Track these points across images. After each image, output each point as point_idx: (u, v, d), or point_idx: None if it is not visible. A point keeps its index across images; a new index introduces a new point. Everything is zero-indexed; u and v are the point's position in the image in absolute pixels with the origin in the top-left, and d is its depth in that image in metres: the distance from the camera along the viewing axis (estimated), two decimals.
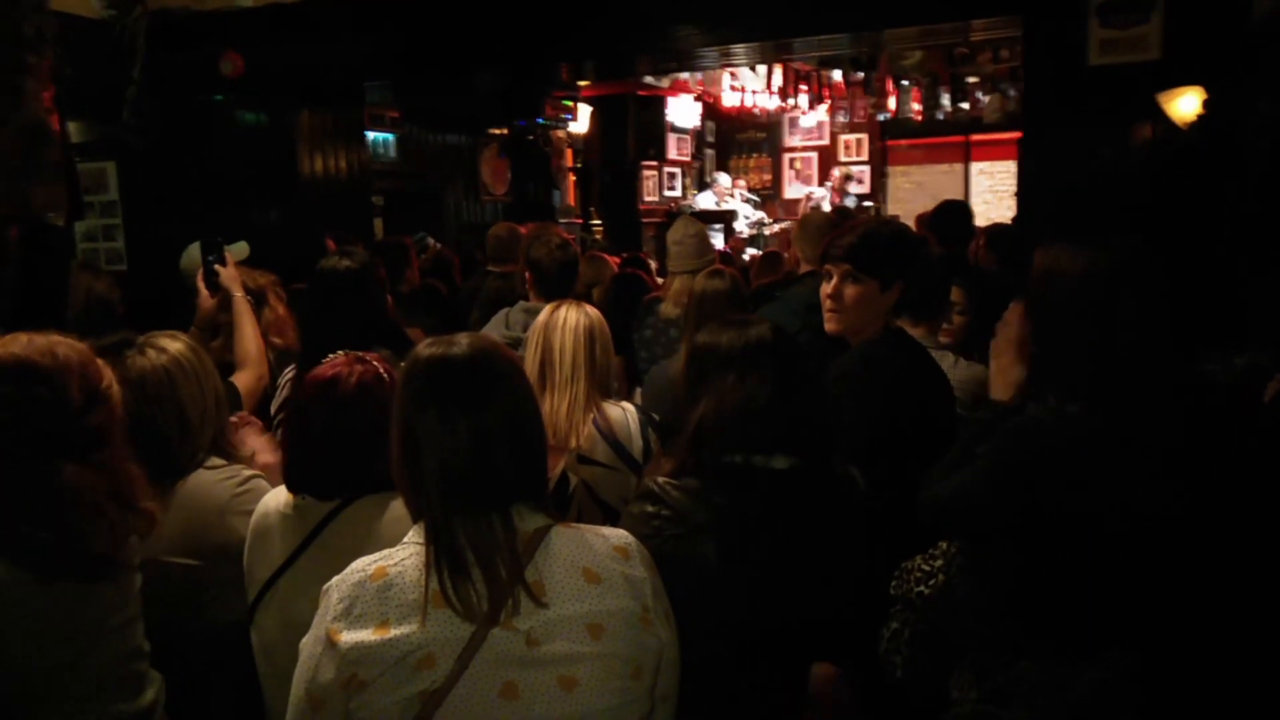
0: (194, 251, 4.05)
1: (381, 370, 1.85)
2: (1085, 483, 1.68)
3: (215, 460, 2.10)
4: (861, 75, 10.62)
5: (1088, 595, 1.72)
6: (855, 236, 2.32)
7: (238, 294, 2.82)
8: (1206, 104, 3.88)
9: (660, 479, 1.71)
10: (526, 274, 3.40)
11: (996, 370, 1.90)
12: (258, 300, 3.11)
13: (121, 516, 1.65)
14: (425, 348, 1.42)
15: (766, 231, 10.83)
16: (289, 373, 2.68)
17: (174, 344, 2.11)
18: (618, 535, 1.44)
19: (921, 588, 1.89)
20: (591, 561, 1.36)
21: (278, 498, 1.85)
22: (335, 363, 1.85)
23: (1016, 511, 1.71)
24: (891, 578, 1.98)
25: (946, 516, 1.81)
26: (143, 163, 5.70)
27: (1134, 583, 1.73)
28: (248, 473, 2.11)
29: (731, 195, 10.95)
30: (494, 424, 1.35)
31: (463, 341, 1.42)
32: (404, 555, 1.34)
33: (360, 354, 1.89)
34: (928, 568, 1.90)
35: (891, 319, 2.38)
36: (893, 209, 11.17)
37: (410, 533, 1.38)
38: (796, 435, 1.70)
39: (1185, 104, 3.94)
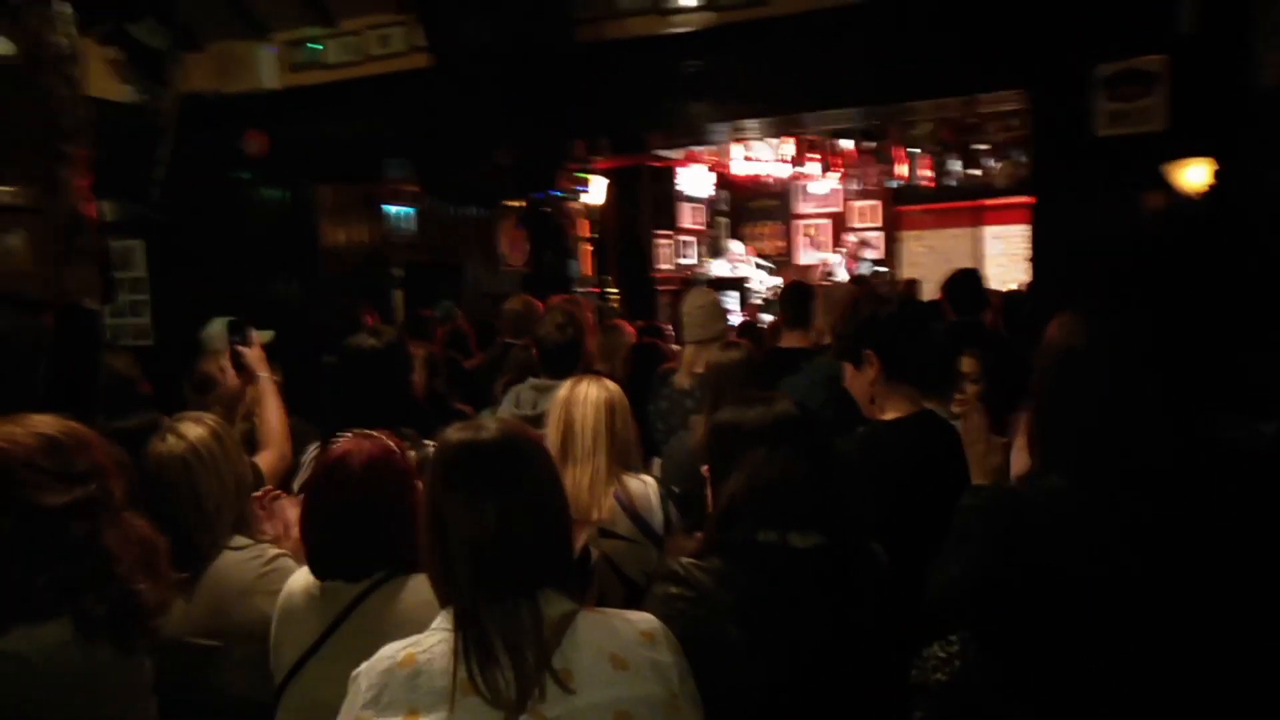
0: (217, 325, 4.14)
1: (391, 447, 1.85)
2: (1070, 556, 1.66)
3: (240, 540, 2.11)
4: (871, 144, 10.78)
5: (1088, 668, 1.70)
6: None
7: (263, 374, 2.86)
8: (1215, 174, 3.93)
9: (684, 559, 1.70)
10: (534, 350, 3.44)
11: (973, 458, 1.91)
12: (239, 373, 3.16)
13: (154, 586, 1.65)
14: (454, 432, 1.44)
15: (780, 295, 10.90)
16: (313, 450, 2.70)
17: (195, 429, 2.11)
18: (644, 620, 1.44)
19: (939, 674, 1.87)
20: (618, 647, 1.36)
21: (304, 579, 1.85)
22: (343, 442, 1.86)
23: (1011, 589, 1.70)
24: (914, 654, 1.96)
25: (951, 605, 1.79)
26: (169, 240, 5.85)
27: (1131, 653, 1.71)
28: (273, 552, 2.11)
29: (745, 262, 11.05)
30: (521, 508, 1.36)
31: (490, 426, 1.44)
32: (433, 642, 1.34)
33: (368, 431, 1.89)
34: (944, 654, 1.88)
35: (904, 393, 2.38)
36: (907, 273, 11.21)
37: (438, 618, 1.38)
38: (827, 512, 1.70)
39: (1193, 174, 3.99)
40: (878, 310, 2.42)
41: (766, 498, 1.68)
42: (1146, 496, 1.68)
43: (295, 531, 2.22)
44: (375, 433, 1.89)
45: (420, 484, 1.55)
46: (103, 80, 5.52)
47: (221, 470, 2.10)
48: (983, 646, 1.84)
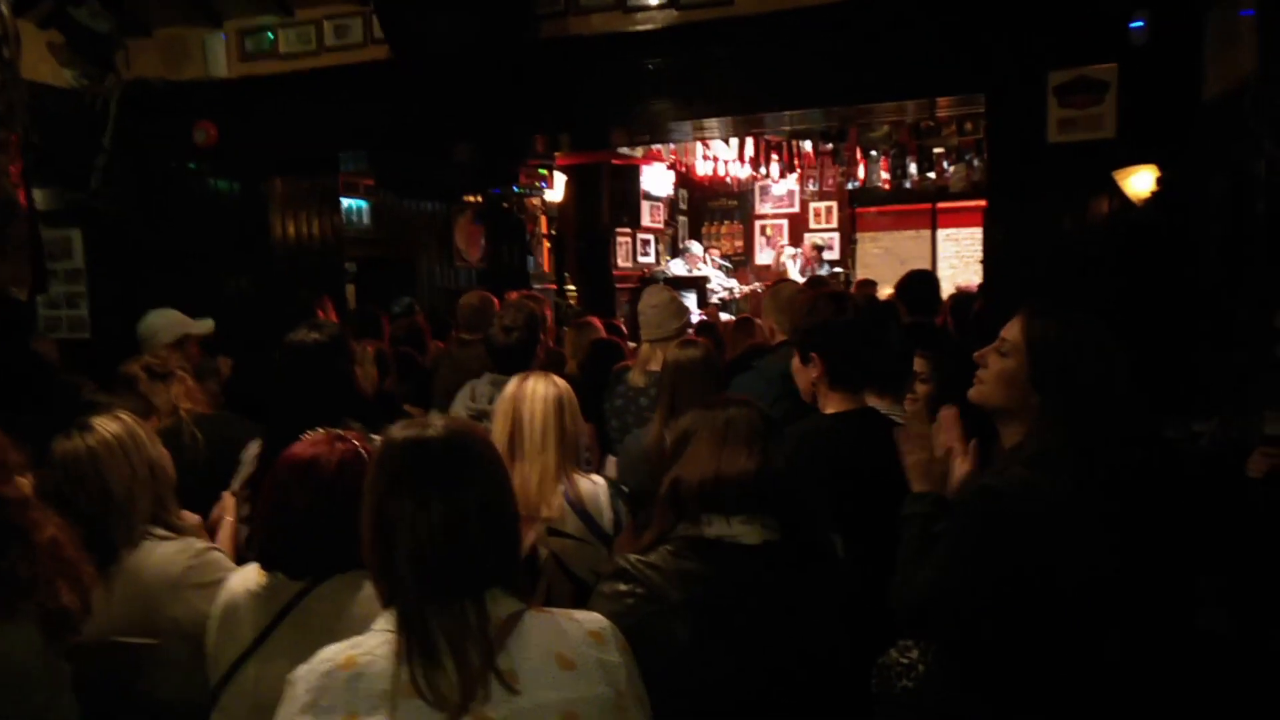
0: (156, 319, 4.04)
1: (361, 449, 1.82)
2: (1047, 542, 1.69)
3: (162, 532, 2.08)
4: (831, 146, 10.87)
5: (1063, 664, 1.71)
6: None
7: (229, 519, 2.65)
8: (1160, 181, 4.01)
9: (632, 556, 1.69)
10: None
11: (911, 465, 1.93)
12: (164, 378, 3.12)
13: (72, 584, 1.63)
14: (400, 430, 1.40)
15: (738, 294, 10.94)
16: (254, 448, 2.63)
17: (104, 423, 2.11)
18: (592, 619, 1.42)
19: (905, 681, 1.87)
20: (565, 647, 1.34)
21: (245, 578, 1.81)
22: (315, 441, 1.82)
23: (995, 580, 1.70)
24: (863, 651, 1.96)
25: (928, 614, 1.78)
26: (110, 230, 5.69)
27: (1101, 648, 1.74)
28: (201, 544, 2.08)
29: (704, 262, 11.07)
30: (469, 508, 1.33)
31: (437, 424, 1.40)
32: (374, 643, 1.31)
33: (340, 432, 1.87)
34: (906, 660, 1.88)
35: (844, 394, 2.39)
36: (861, 274, 11.33)
37: (380, 619, 1.35)
38: (774, 502, 1.70)
39: (1140, 181, 4.07)
40: (833, 317, 2.42)
41: (713, 489, 1.68)
42: (1117, 493, 1.72)
43: (228, 519, 2.18)
44: (347, 433, 1.86)
45: None
46: (42, 64, 5.35)
47: (133, 460, 2.09)
48: (947, 652, 1.84)
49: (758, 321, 5.56)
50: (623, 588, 1.65)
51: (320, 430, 1.86)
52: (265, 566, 1.79)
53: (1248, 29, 3.45)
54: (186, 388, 3.17)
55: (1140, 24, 4.08)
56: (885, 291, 6.75)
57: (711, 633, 1.63)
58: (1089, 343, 1.79)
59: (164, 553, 2.04)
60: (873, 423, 2.42)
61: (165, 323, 4.00)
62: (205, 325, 4.09)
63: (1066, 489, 1.70)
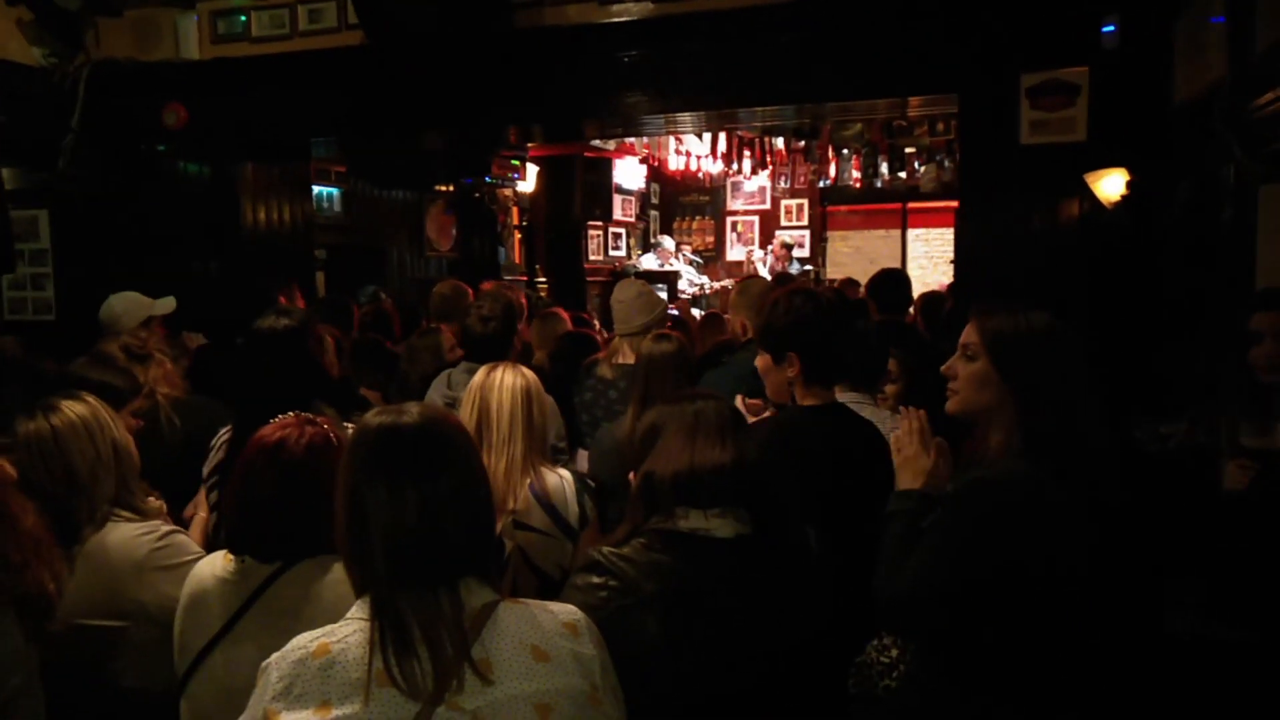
0: (119, 303, 3.98)
1: (330, 433, 1.82)
2: (1044, 535, 1.71)
3: (125, 514, 2.06)
4: (803, 143, 10.91)
5: (1045, 655, 1.74)
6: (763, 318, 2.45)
7: (201, 514, 2.65)
8: (1130, 184, 4.07)
9: (605, 549, 1.69)
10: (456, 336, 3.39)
11: (902, 462, 1.94)
12: (142, 360, 3.08)
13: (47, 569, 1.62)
14: (374, 416, 1.39)
15: (709, 290, 10.97)
16: (225, 434, 2.61)
17: (67, 404, 2.09)
18: (566, 611, 1.41)
19: (886, 681, 1.88)
20: (540, 639, 1.33)
21: (213, 563, 1.79)
22: (284, 424, 1.82)
23: (986, 572, 1.71)
24: (842, 640, 1.97)
25: (915, 607, 1.78)
26: (77, 211, 5.58)
27: (1085, 641, 1.76)
28: (166, 528, 2.06)
29: (676, 258, 11.08)
30: (444, 496, 1.32)
31: (413, 410, 1.39)
32: (347, 632, 1.30)
33: (309, 415, 1.86)
34: (886, 660, 1.89)
35: (819, 390, 2.41)
36: (831, 272, 11.41)
37: (354, 607, 1.34)
38: (747, 495, 1.71)
39: (1110, 184, 4.13)
40: (808, 312, 2.42)
41: (687, 482, 1.68)
42: (1095, 487, 1.75)
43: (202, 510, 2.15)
44: (313, 417, 1.86)
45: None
46: (10, 41, 5.24)
47: (97, 441, 2.07)
48: (929, 651, 1.85)
49: (726, 317, 5.58)
50: (595, 580, 1.64)
51: (292, 415, 1.86)
52: (234, 551, 1.77)
53: (1217, 36, 3.50)
54: (165, 371, 3.13)
55: (1111, 28, 4.14)
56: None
57: (684, 626, 1.63)
58: (1043, 332, 1.82)
59: (127, 534, 2.02)
60: (844, 417, 2.44)
61: (126, 306, 3.95)
62: (167, 304, 4.05)
63: (1054, 481, 1.73)
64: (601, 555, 1.67)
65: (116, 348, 3.11)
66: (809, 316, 2.40)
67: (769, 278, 8.14)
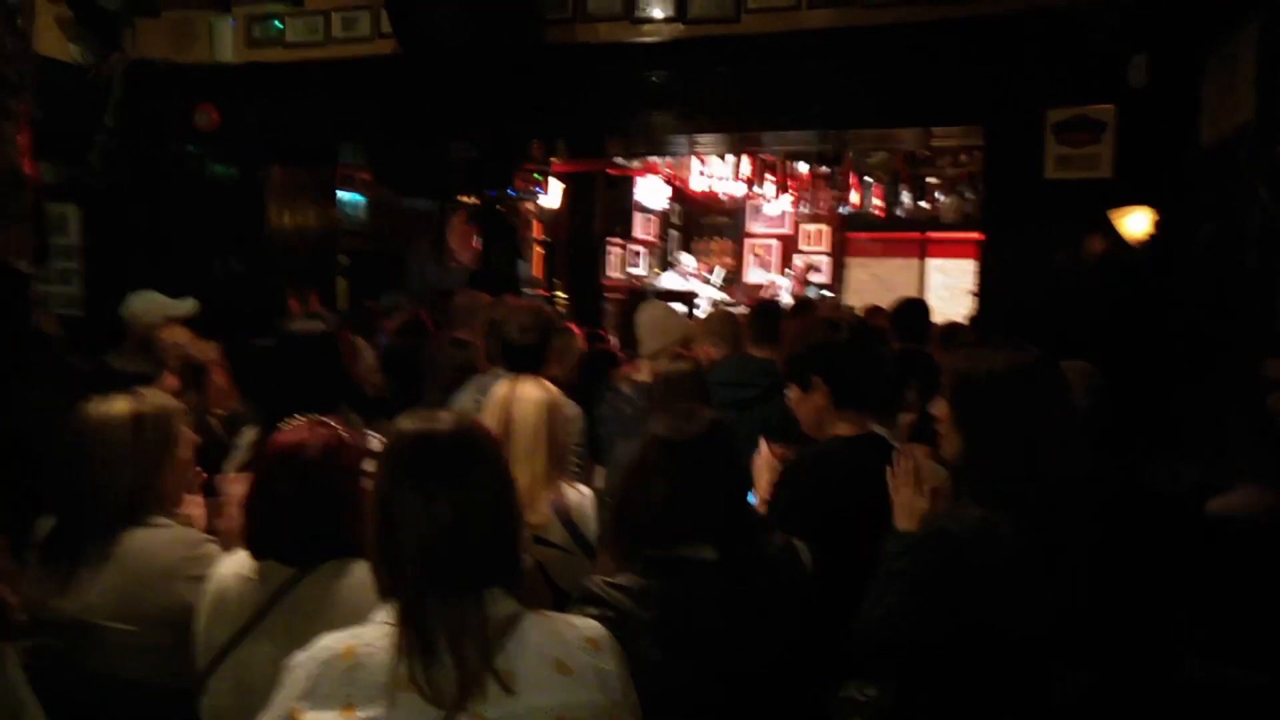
0: (135, 302, 4.01)
1: (344, 434, 1.84)
2: (1002, 588, 1.70)
3: (161, 520, 2.04)
4: (826, 169, 10.93)
5: (1014, 706, 1.73)
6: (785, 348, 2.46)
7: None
8: (1154, 223, 4.07)
9: (600, 579, 1.71)
10: (484, 345, 3.41)
11: (899, 504, 1.93)
12: (198, 373, 3.09)
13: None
14: (408, 422, 1.41)
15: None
16: (250, 434, 2.63)
17: (145, 398, 2.08)
18: (590, 626, 1.42)
19: (858, 718, 1.88)
20: (563, 652, 1.34)
21: (236, 563, 1.81)
22: (298, 427, 1.84)
23: (944, 619, 1.72)
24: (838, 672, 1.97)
25: (881, 644, 1.80)
26: (107, 208, 5.66)
27: (1051, 693, 1.76)
28: (199, 536, 2.05)
29: (697, 276, 11.09)
30: (475, 504, 1.34)
31: (446, 418, 1.41)
32: (374, 635, 1.31)
33: (322, 418, 1.88)
34: (864, 697, 1.90)
35: (852, 416, 2.40)
36: (850, 299, 11.38)
37: (381, 611, 1.35)
38: (720, 525, 1.73)
39: (1135, 221, 4.13)
40: (830, 337, 2.39)
41: (680, 509, 1.71)
42: (1076, 535, 1.73)
43: (232, 510, 2.16)
44: (329, 420, 1.87)
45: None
46: (49, 38, 5.33)
47: (167, 439, 2.06)
48: (902, 691, 1.86)
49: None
50: (593, 611, 1.65)
51: (304, 418, 1.87)
52: (255, 554, 1.79)
53: (1245, 79, 3.51)
54: (218, 389, 3.15)
55: (1139, 67, 4.14)
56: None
57: (679, 647, 1.65)
58: (999, 374, 1.78)
59: (163, 540, 2.01)
60: (881, 449, 2.43)
61: (147, 306, 3.98)
62: (187, 307, 4.07)
63: (1011, 527, 1.71)
64: (597, 587, 1.69)
65: (175, 358, 3.14)
66: (833, 340, 2.37)
67: (791, 302, 8.15)
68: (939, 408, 1.91)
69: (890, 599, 1.77)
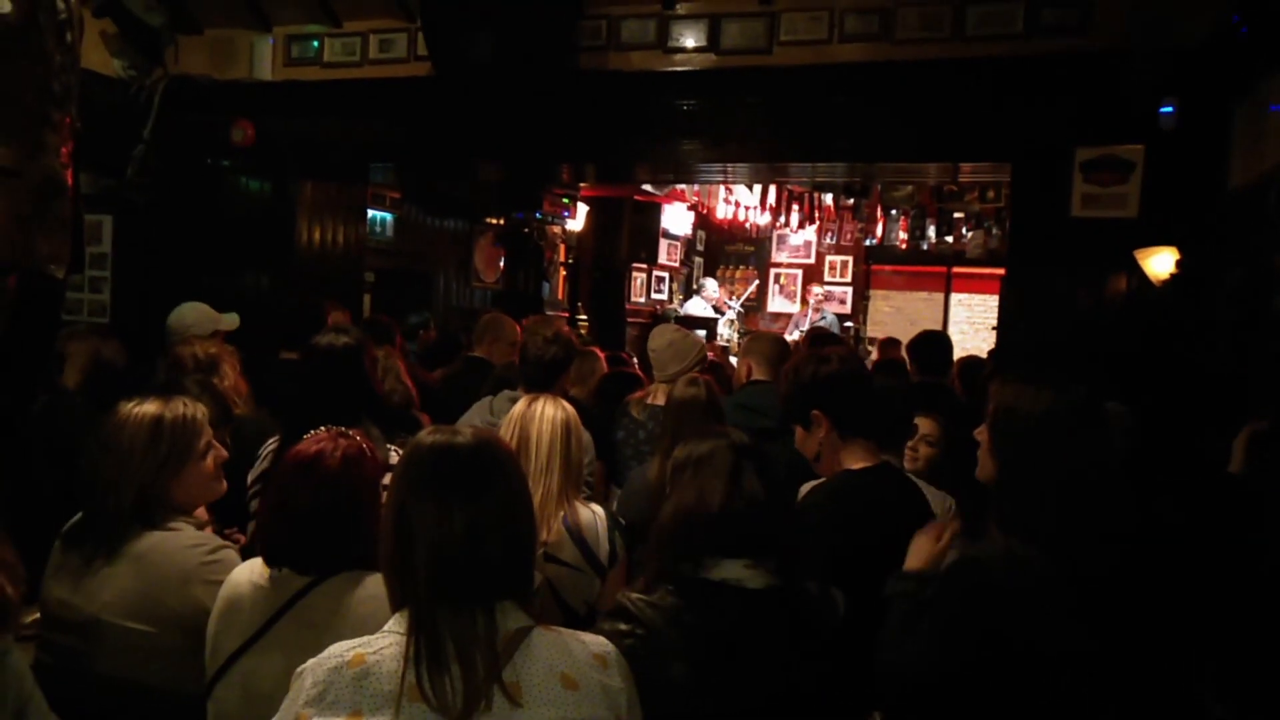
0: (186, 311, 4.10)
1: (365, 447, 1.86)
2: (1038, 622, 1.68)
3: (180, 523, 2.07)
4: (852, 201, 10.94)
5: None
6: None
7: None
8: (1180, 264, 4.05)
9: (634, 595, 1.69)
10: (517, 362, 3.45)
11: (914, 547, 1.92)
12: (209, 370, 3.14)
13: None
14: (427, 435, 1.43)
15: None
16: (271, 444, 2.66)
17: (190, 406, 2.12)
18: (598, 642, 1.43)
19: None
20: (570, 667, 1.35)
21: (250, 570, 1.83)
22: (318, 438, 1.86)
23: (975, 648, 1.70)
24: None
25: (914, 679, 1.77)
26: (141, 219, 5.77)
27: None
28: (217, 542, 2.07)
29: (720, 304, 11.10)
30: (491, 517, 1.35)
31: (465, 431, 1.43)
32: (384, 644, 1.32)
33: (343, 430, 1.90)
34: None
35: (861, 445, 2.39)
36: (872, 331, 11.37)
37: (392, 620, 1.36)
38: (756, 541, 1.70)
39: (1160, 262, 4.11)
40: (820, 369, 2.38)
41: (684, 524, 1.69)
42: (1111, 573, 1.71)
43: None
44: (350, 431, 1.90)
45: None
46: (92, 51, 5.46)
47: (193, 445, 2.08)
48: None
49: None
50: (623, 627, 1.64)
51: (324, 429, 1.89)
52: (269, 562, 1.80)
53: (1276, 125, 3.50)
54: (231, 384, 3.19)
55: (1170, 109, 4.15)
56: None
57: (709, 675, 1.63)
58: (1041, 412, 1.76)
59: (181, 543, 2.03)
60: (897, 479, 2.41)
61: (198, 316, 4.08)
62: (232, 320, 4.18)
63: (1043, 559, 1.70)
64: (630, 602, 1.67)
65: (188, 354, 3.20)
66: (823, 372, 2.36)
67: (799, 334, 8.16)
68: (980, 433, 1.89)
69: (918, 633, 1.74)
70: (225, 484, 2.23)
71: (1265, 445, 2.58)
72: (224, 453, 2.21)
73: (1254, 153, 3.79)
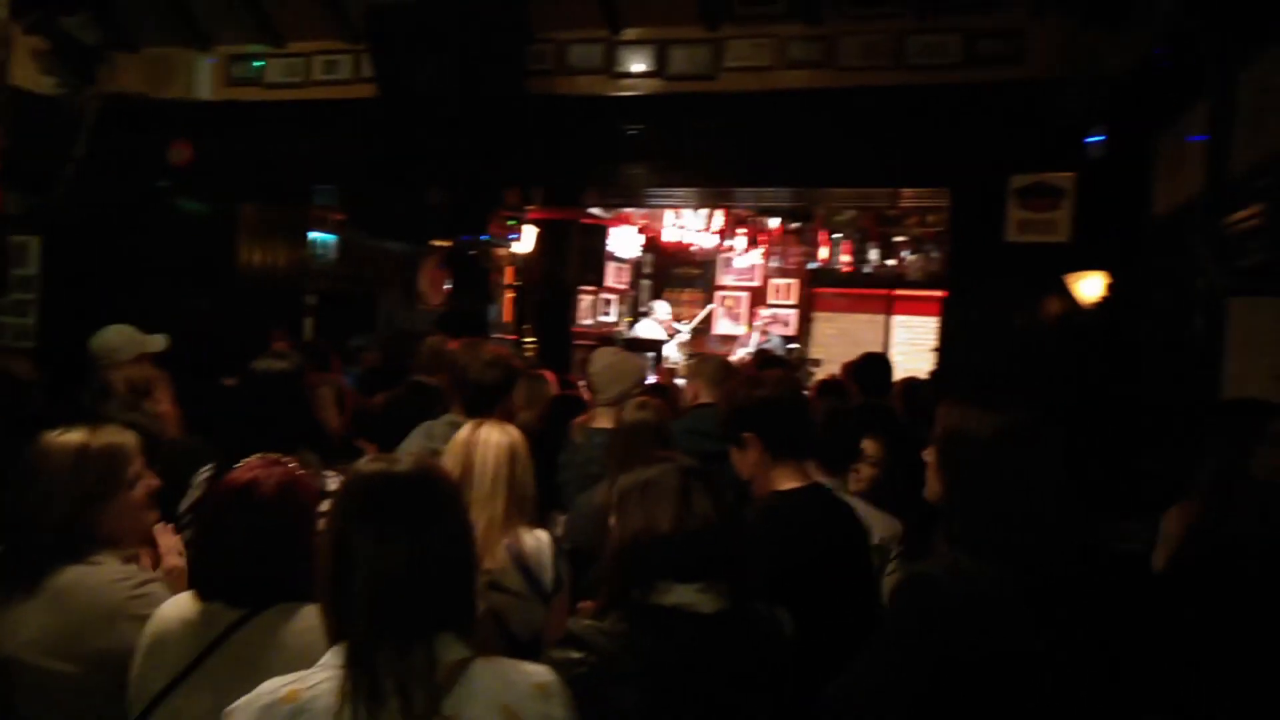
0: (110, 336, 3.96)
1: (300, 474, 1.81)
2: (992, 635, 1.70)
3: (103, 558, 1.97)
4: (796, 225, 11.10)
5: None
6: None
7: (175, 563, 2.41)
8: (1109, 288, 4.19)
9: (584, 622, 1.68)
10: (450, 385, 3.39)
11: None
12: (140, 394, 3.05)
13: None
14: (367, 464, 1.41)
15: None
16: (205, 472, 2.59)
17: (116, 434, 2.04)
18: (539, 672, 1.42)
19: None
20: (511, 699, 1.33)
21: (179, 605, 1.75)
22: (251, 465, 1.81)
23: (930, 664, 1.71)
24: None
25: (868, 710, 1.77)
26: (71, 240, 5.61)
27: None
28: (144, 576, 1.99)
29: (668, 328, 11.14)
30: (431, 548, 1.33)
31: (406, 460, 1.41)
32: (319, 679, 1.29)
33: (277, 457, 1.85)
34: None
35: (793, 467, 2.40)
36: (815, 353, 11.51)
37: (328, 655, 1.33)
38: (708, 564, 1.69)
39: (1090, 286, 4.25)
40: (752, 393, 2.40)
41: (636, 548, 1.68)
42: (1056, 587, 1.74)
43: (170, 561, 2.12)
44: (284, 459, 1.85)
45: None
46: (23, 69, 5.32)
47: (119, 476, 2.00)
48: None
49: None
50: (575, 655, 1.62)
51: (258, 457, 1.84)
52: (203, 596, 1.74)
53: (1194, 155, 3.65)
54: (162, 410, 3.10)
55: (1097, 139, 4.30)
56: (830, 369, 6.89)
57: (662, 702, 1.62)
58: (987, 436, 1.79)
59: (104, 578, 1.93)
60: (825, 500, 2.44)
61: (122, 340, 3.90)
62: (158, 342, 4.02)
63: (996, 576, 1.72)
64: (580, 629, 1.65)
65: (120, 379, 3.09)
66: (755, 395, 2.39)
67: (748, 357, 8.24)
68: (928, 454, 1.92)
69: (871, 653, 1.75)
70: (156, 514, 2.15)
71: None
72: (155, 481, 2.13)
73: (1175, 181, 3.94)
